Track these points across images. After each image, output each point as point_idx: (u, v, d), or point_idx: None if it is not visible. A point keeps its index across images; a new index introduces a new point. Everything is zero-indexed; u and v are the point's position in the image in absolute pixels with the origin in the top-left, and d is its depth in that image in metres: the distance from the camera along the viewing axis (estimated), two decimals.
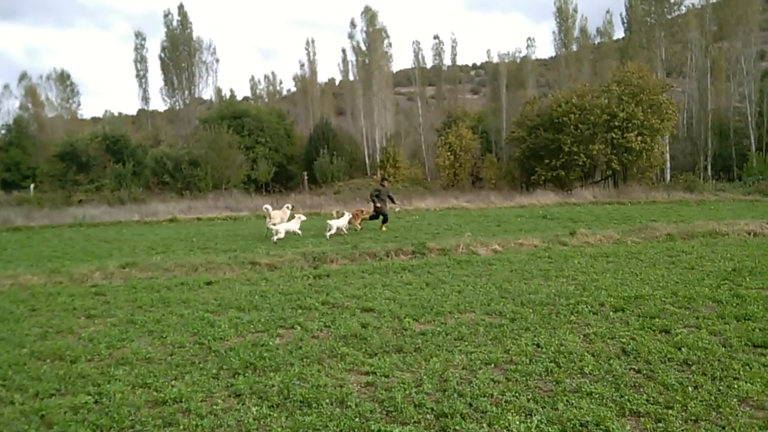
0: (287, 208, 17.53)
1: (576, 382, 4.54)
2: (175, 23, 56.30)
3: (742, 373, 4.57)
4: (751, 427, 3.71)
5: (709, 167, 43.53)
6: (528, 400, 4.22)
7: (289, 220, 16.48)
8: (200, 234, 18.04)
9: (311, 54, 66.24)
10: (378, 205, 17.65)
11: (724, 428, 3.72)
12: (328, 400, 4.29)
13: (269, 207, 16.51)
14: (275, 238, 14.76)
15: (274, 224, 15.61)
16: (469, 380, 4.63)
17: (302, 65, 69.06)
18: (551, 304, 7.01)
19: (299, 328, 6.36)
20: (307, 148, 51.91)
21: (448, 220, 20.32)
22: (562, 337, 5.69)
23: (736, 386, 4.32)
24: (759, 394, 4.18)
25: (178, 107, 58.07)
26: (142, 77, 61.14)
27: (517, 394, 4.32)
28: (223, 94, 74.00)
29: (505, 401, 4.21)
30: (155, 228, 21.98)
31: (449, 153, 44.75)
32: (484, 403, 4.16)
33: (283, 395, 4.42)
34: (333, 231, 15.69)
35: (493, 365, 4.98)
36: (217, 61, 62.18)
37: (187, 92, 57.35)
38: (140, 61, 60.81)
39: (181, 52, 56.34)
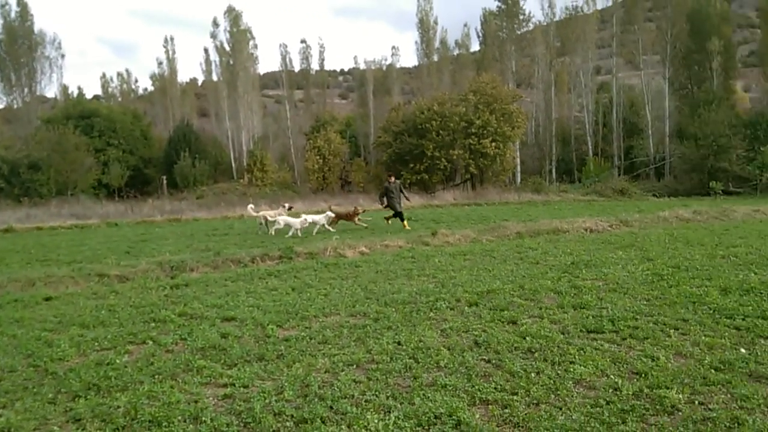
0: (283, 207, 17.98)
1: (432, 376, 4.73)
2: (13, 14, 50.29)
3: (577, 357, 5.03)
4: (584, 406, 4.09)
5: (554, 171, 48.00)
6: (387, 398, 4.31)
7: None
8: (40, 245, 16.28)
9: (170, 52, 62.76)
10: (385, 203, 17.51)
11: (561, 409, 4.07)
12: (180, 418, 4.05)
13: (252, 206, 18.24)
14: (272, 229, 16.13)
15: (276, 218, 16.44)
16: (331, 383, 4.63)
17: (160, 63, 65.00)
18: (413, 303, 7.25)
19: (151, 342, 5.95)
20: (167, 151, 49.04)
21: None
22: (421, 333, 5.90)
23: (572, 370, 4.74)
24: (591, 376, 4.63)
25: (16, 105, 51.90)
26: None
27: (377, 393, 4.40)
28: (70, 92, 67.36)
29: (366, 401, 4.27)
30: None
31: (318, 157, 44.77)
32: (344, 405, 4.18)
33: (130, 416, 4.09)
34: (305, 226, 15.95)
35: (355, 366, 5.03)
36: (63, 56, 56.57)
37: (27, 89, 51.43)
38: None
39: (20, 46, 50.41)
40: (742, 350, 5.06)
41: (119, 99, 72.39)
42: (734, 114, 40.96)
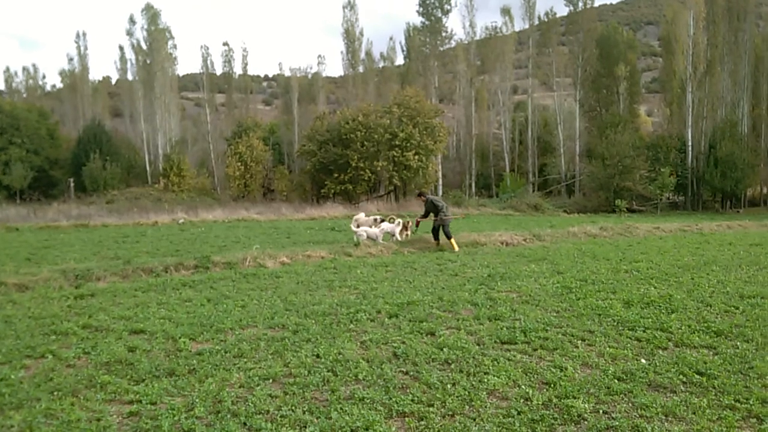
0: (375, 221, 15.89)
1: (350, 389, 4.70)
2: None
3: (491, 368, 5.17)
4: (497, 416, 4.21)
5: (474, 185, 49.59)
6: (304, 413, 4.24)
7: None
8: None
9: (82, 48, 59.40)
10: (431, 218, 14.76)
11: (474, 420, 4.16)
12: None
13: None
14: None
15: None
16: (246, 398, 4.49)
17: (71, 59, 61.39)
18: (333, 314, 7.18)
19: (51, 356, 5.54)
20: (75, 152, 46.18)
21: (237, 232, 19.76)
22: (340, 345, 5.85)
23: (486, 380, 4.87)
24: (504, 386, 4.77)
25: None
26: None
27: (293, 408, 4.31)
28: None
29: (281, 416, 4.17)
30: None
31: (240, 163, 43.72)
32: (258, 421, 4.07)
33: None
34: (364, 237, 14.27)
35: (271, 380, 4.90)
36: None
37: None
38: None
39: None
40: (643, 361, 5.40)
41: (24, 95, 67.50)
42: (638, 136, 44.16)
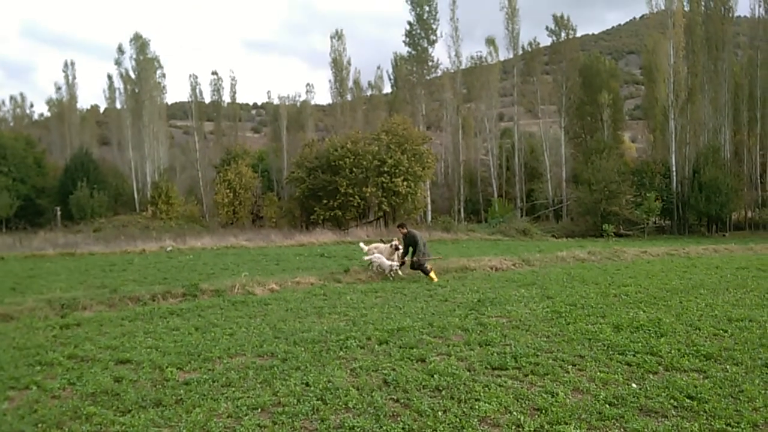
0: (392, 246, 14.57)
1: (340, 417, 4.64)
2: None
3: (482, 394, 5.13)
4: None
5: (462, 210, 49.84)
6: None
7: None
8: None
9: (70, 77, 59.69)
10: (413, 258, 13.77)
11: None
12: None
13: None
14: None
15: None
16: (234, 428, 4.42)
17: (59, 88, 61.53)
18: (323, 341, 7.12)
19: (36, 387, 5.44)
20: (62, 180, 46.00)
21: (226, 259, 19.62)
22: (330, 373, 5.79)
23: (477, 407, 4.83)
24: (495, 413, 4.73)
25: None
26: None
27: None
28: None
29: None
30: None
31: (228, 190, 43.70)
32: None
33: None
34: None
35: (260, 410, 4.83)
36: None
37: None
38: None
39: None
40: (634, 385, 5.39)
41: (11, 124, 67.40)
42: (623, 162, 44.82)
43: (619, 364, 6.08)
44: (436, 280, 13.09)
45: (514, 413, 4.69)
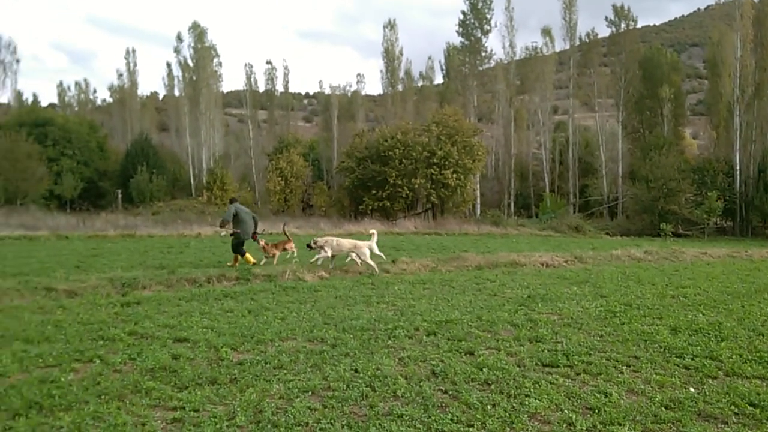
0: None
1: (389, 405, 4.68)
2: None
3: (532, 390, 5.07)
4: None
5: (512, 205, 49.07)
6: (342, 427, 4.24)
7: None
8: None
9: (131, 64, 61.90)
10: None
11: None
12: None
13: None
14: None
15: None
16: (286, 410, 4.52)
17: (120, 75, 63.95)
18: (371, 330, 7.18)
19: (99, 361, 5.70)
20: (123, 164, 47.93)
21: None
22: (379, 361, 5.84)
23: (527, 403, 4.77)
24: (546, 410, 4.67)
25: None
26: None
27: (332, 421, 4.32)
28: (24, 98, 65.30)
29: (320, 429, 4.18)
30: None
31: (280, 178, 44.49)
32: None
33: None
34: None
35: (310, 393, 4.93)
36: (18, 61, 54.70)
37: None
38: None
39: None
40: (692, 389, 5.20)
41: (76, 109, 70.63)
42: (683, 159, 42.99)
43: (677, 367, 5.89)
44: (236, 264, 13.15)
45: (566, 411, 4.61)
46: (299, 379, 5.24)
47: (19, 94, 62.39)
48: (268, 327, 7.24)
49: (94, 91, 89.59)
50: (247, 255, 13.94)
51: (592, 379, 5.46)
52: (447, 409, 4.60)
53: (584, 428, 4.30)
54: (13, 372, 5.27)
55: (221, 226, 14.15)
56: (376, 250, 13.38)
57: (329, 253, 12.86)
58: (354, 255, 13.17)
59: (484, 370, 5.58)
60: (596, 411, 4.63)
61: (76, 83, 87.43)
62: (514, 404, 4.75)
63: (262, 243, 14.46)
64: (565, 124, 56.27)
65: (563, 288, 11.01)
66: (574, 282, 11.95)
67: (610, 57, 52.88)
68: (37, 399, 4.55)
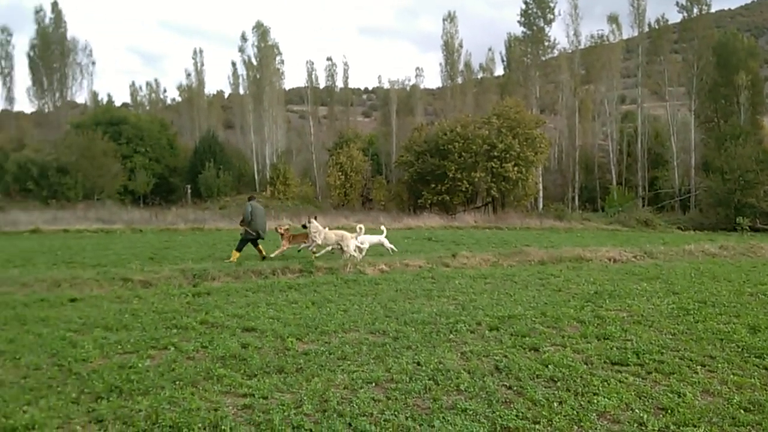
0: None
1: (452, 399, 4.68)
2: (47, 20, 52.11)
3: (601, 388, 4.93)
4: None
5: (577, 198, 47.62)
6: (406, 419, 4.27)
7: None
8: (66, 247, 16.56)
9: (199, 64, 64.26)
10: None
11: None
12: (200, 425, 4.06)
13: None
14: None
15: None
16: (350, 400, 4.60)
17: (189, 75, 66.51)
18: (432, 323, 7.19)
19: (173, 348, 5.99)
20: (192, 161, 49.86)
21: None
22: (441, 355, 5.84)
23: (595, 401, 4.65)
24: (615, 409, 4.53)
25: (47, 110, 53.47)
26: (6, 75, 55.43)
27: (396, 413, 4.36)
28: (99, 98, 69.15)
29: (384, 420, 4.23)
30: (14, 239, 19.89)
31: (340, 173, 45.06)
32: (363, 423, 4.15)
33: (151, 420, 4.12)
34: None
35: (374, 384, 4.99)
36: (94, 63, 58.22)
37: (58, 94, 53.05)
38: (5, 57, 55.24)
39: (53, 52, 52.04)
40: None
41: (147, 108, 74.01)
42: (761, 149, 40.24)
43: (756, 367, 5.57)
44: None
45: (636, 411, 4.46)
46: (363, 370, 5.32)
47: (95, 95, 66.20)
48: (331, 318, 7.38)
49: (164, 91, 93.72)
50: (260, 246, 14.27)
51: (665, 378, 5.25)
52: (512, 405, 4.55)
53: (656, 429, 4.15)
54: (95, 357, 5.62)
55: (242, 225, 14.54)
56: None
57: (318, 242, 13.40)
58: (338, 247, 13.44)
59: (550, 366, 5.48)
60: (669, 411, 4.45)
61: (147, 83, 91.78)
62: (582, 402, 4.64)
63: (281, 230, 14.68)
64: (633, 114, 54.04)
65: (632, 284, 10.62)
66: (644, 278, 11.50)
67: (681, 43, 50.23)
68: (117, 383, 4.84)
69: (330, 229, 14.38)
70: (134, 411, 4.29)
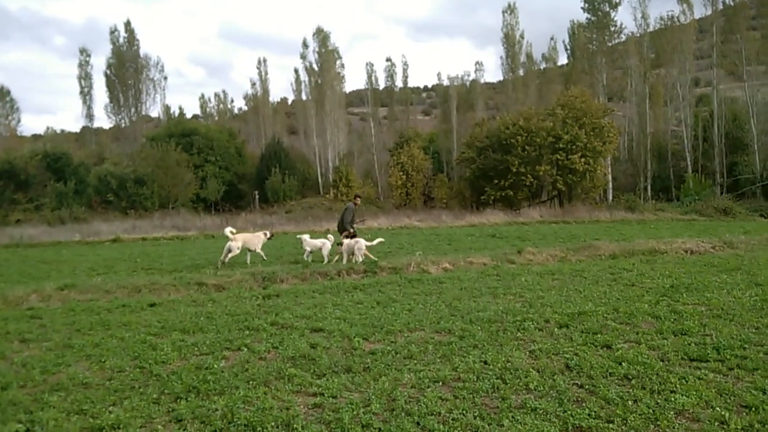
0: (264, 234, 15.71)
1: (521, 398, 4.62)
2: (121, 40, 55.14)
3: (678, 386, 4.74)
4: None
5: (649, 188, 45.50)
6: (474, 418, 4.26)
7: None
8: (145, 254, 17.51)
9: (263, 73, 66.22)
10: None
11: None
12: (273, 423, 4.21)
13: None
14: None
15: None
16: (418, 399, 4.64)
17: (254, 84, 68.80)
18: (499, 321, 7.12)
19: (246, 349, 6.22)
20: (259, 167, 51.44)
21: (400, 239, 20.44)
22: (508, 353, 5.78)
23: (673, 399, 4.48)
24: (694, 407, 4.35)
25: (124, 125, 56.67)
26: (86, 94, 59.46)
27: (464, 412, 4.36)
28: (171, 111, 72.71)
29: (452, 419, 4.24)
30: (97, 248, 21.21)
31: (401, 173, 45.21)
32: (431, 422, 4.17)
33: (227, 419, 4.31)
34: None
35: (441, 383, 5.01)
36: (165, 78, 61.08)
37: (133, 109, 56.07)
38: (84, 77, 59.22)
39: (127, 69, 55.06)
40: None
41: (216, 118, 77.04)
42: None
43: None
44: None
45: (717, 409, 4.26)
46: (429, 369, 5.34)
47: (167, 108, 69.68)
48: (396, 318, 7.45)
49: (231, 101, 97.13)
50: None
51: (748, 374, 4.98)
52: (584, 404, 4.45)
53: (739, 427, 3.95)
54: (174, 359, 5.92)
55: (351, 225, 14.92)
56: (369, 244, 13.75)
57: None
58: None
59: (624, 364, 5.31)
60: (753, 409, 4.22)
61: (215, 94, 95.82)
62: (659, 400, 4.47)
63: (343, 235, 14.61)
64: (708, 97, 51.04)
65: (711, 276, 10.08)
66: (723, 269, 10.89)
67: (759, 19, 46.97)
68: (194, 384, 5.08)
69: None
70: (211, 410, 4.49)
